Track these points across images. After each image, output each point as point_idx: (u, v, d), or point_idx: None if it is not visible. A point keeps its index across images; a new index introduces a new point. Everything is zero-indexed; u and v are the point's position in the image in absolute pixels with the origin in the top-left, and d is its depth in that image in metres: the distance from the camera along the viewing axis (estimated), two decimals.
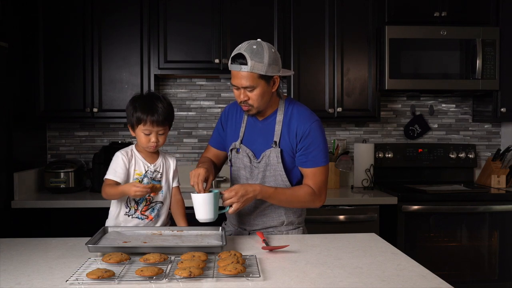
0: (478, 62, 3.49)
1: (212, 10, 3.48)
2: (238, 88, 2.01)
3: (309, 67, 3.55)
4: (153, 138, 2.04)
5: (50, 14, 3.43)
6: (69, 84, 3.45)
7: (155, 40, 3.46)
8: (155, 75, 3.49)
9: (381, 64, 3.53)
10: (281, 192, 2.05)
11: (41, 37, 3.43)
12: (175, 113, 3.76)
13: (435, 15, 3.56)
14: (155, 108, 2.01)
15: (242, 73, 1.96)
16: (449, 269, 3.34)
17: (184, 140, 3.89)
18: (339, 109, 3.55)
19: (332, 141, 3.87)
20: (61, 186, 3.38)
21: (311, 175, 2.08)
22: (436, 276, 1.54)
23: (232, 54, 1.99)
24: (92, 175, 3.49)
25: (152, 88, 3.46)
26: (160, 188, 2.06)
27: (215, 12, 3.48)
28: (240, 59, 1.95)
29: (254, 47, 1.96)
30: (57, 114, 3.47)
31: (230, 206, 1.95)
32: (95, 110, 3.45)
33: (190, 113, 3.88)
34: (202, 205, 1.90)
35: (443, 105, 4.03)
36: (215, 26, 3.48)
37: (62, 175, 3.39)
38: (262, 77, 1.97)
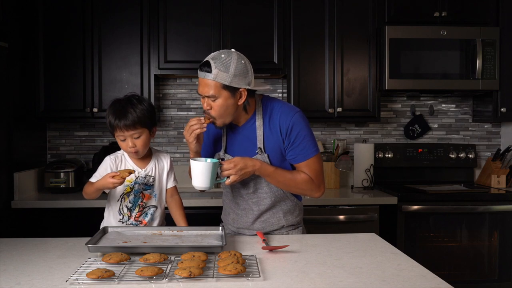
0: (478, 62, 3.49)
1: (212, 10, 3.48)
2: (203, 97, 1.95)
3: (309, 67, 3.55)
4: (129, 143, 2.02)
5: (50, 14, 3.43)
6: (69, 84, 3.46)
7: (155, 40, 3.47)
8: (155, 75, 3.50)
9: (381, 64, 3.53)
10: (281, 173, 2.02)
11: (41, 37, 3.43)
12: (175, 113, 3.84)
13: (435, 15, 3.56)
14: (124, 113, 2.00)
15: (206, 81, 1.90)
16: (449, 269, 3.34)
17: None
18: (339, 109, 3.55)
19: (332, 141, 3.87)
20: (61, 186, 3.38)
21: (305, 167, 2.05)
22: (436, 276, 1.54)
23: (202, 62, 1.94)
24: (92, 175, 3.49)
25: (152, 88, 3.46)
26: (128, 174, 1.99)
27: (215, 12, 3.48)
28: (206, 67, 1.90)
29: (223, 56, 1.90)
30: (57, 114, 3.47)
31: (228, 177, 1.94)
32: (95, 110, 3.45)
33: (190, 113, 3.88)
34: (200, 173, 1.89)
35: (443, 105, 4.03)
36: (215, 26, 3.48)
37: (62, 175, 3.39)
38: (226, 87, 1.90)
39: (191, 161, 1.91)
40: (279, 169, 2.02)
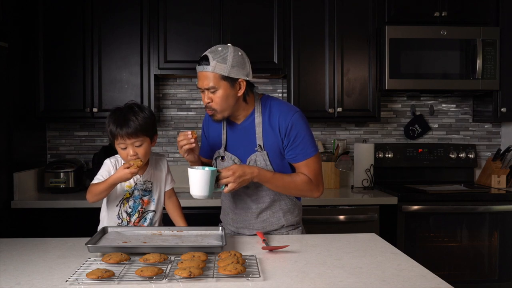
0: (478, 62, 3.49)
1: (212, 10, 3.48)
2: (203, 91, 1.98)
3: (309, 67, 3.55)
4: (130, 151, 1.99)
5: (50, 14, 3.43)
6: (69, 84, 3.46)
7: (155, 40, 3.46)
8: (155, 75, 3.49)
9: (381, 64, 3.53)
10: (279, 177, 2.02)
11: (41, 37, 3.43)
12: (175, 113, 3.84)
13: (435, 15, 3.56)
14: (126, 121, 1.97)
15: (205, 74, 1.94)
16: (449, 269, 3.34)
17: None
18: (339, 109, 3.55)
19: (332, 141, 3.87)
20: (61, 186, 3.38)
21: (304, 167, 2.05)
22: (436, 276, 1.54)
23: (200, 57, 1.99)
24: (92, 175, 3.48)
25: (152, 88, 3.46)
26: (141, 162, 1.98)
27: (215, 12, 3.48)
28: (204, 60, 1.94)
29: (219, 49, 1.95)
30: (57, 114, 3.47)
31: (226, 185, 1.93)
32: (95, 110, 3.45)
33: (190, 113, 3.88)
34: (199, 182, 1.87)
35: (443, 105, 4.03)
36: (215, 26, 3.48)
37: (62, 175, 3.39)
38: (224, 78, 1.94)
39: (189, 170, 1.89)
40: (277, 174, 2.02)
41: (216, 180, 1.90)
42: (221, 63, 1.92)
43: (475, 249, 3.37)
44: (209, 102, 1.98)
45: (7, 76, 3.07)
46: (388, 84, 3.50)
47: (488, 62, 3.52)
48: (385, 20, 3.57)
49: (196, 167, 1.94)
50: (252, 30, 3.49)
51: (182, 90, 3.88)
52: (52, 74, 3.45)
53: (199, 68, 1.97)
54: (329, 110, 3.56)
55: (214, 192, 1.91)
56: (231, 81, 1.96)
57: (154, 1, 3.45)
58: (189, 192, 1.96)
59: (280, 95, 3.87)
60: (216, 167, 2.11)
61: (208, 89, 1.95)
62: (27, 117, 3.39)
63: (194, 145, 1.96)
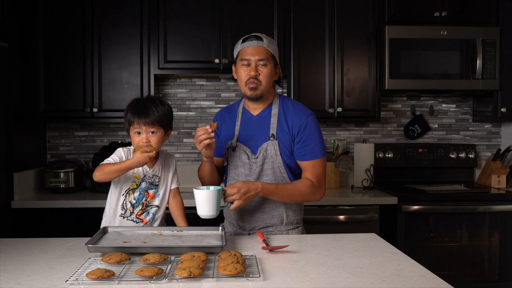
0: (478, 62, 3.49)
1: (212, 10, 3.48)
2: (249, 64, 2.06)
3: (309, 67, 3.55)
4: (144, 137, 2.02)
5: (50, 14, 3.43)
6: (69, 84, 3.46)
7: (155, 40, 3.47)
8: (155, 75, 3.50)
9: (381, 64, 3.53)
10: (282, 188, 2.06)
11: (41, 37, 3.43)
12: (175, 113, 3.84)
13: (435, 15, 3.56)
14: (145, 109, 2.01)
15: (258, 47, 2.07)
16: (449, 269, 3.34)
17: (184, 140, 3.89)
18: (339, 109, 3.55)
19: (332, 141, 3.87)
20: (61, 186, 3.38)
21: (310, 167, 2.10)
22: (436, 276, 1.54)
23: (245, 37, 2.11)
24: (91, 175, 3.49)
25: (152, 88, 3.46)
26: (154, 149, 2.00)
27: (215, 12, 3.48)
28: (256, 38, 2.09)
29: (264, 35, 2.12)
30: (57, 114, 3.47)
31: (231, 202, 1.96)
32: (95, 110, 3.45)
33: (190, 113, 3.88)
34: (205, 201, 1.89)
35: (443, 105, 4.03)
36: (215, 26, 3.48)
37: (62, 175, 3.39)
38: (273, 57, 2.10)
39: (194, 190, 1.91)
40: (280, 185, 2.07)
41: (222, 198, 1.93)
42: (273, 44, 2.11)
43: (475, 249, 3.37)
44: (257, 74, 2.06)
45: (7, 76, 3.07)
46: (388, 84, 3.50)
47: (488, 62, 3.52)
48: (385, 20, 3.57)
49: (201, 187, 1.95)
50: (252, 30, 3.44)
51: (182, 90, 3.88)
52: (52, 74, 3.45)
53: (251, 43, 2.07)
54: (329, 110, 3.56)
55: (220, 209, 1.93)
56: (275, 63, 2.12)
57: (154, 1, 3.45)
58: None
59: None
60: (227, 157, 2.19)
61: (261, 60, 2.06)
62: (27, 117, 3.39)
63: (214, 139, 2.00)
